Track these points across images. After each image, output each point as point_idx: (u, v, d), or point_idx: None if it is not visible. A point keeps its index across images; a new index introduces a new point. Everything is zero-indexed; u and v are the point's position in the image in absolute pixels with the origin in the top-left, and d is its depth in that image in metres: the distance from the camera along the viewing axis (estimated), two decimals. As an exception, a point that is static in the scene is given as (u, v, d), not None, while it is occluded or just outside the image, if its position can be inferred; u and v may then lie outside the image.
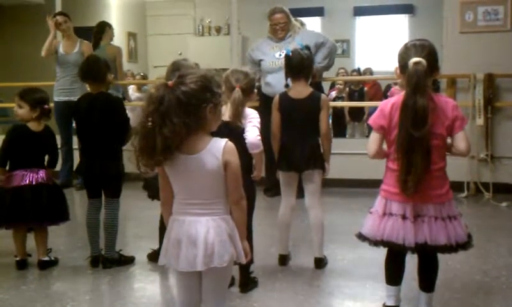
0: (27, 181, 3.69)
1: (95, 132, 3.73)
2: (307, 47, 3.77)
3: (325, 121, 3.64)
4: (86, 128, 3.80)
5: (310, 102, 3.63)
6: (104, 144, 3.72)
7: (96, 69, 3.82)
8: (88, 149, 3.80)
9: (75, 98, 6.18)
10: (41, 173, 3.74)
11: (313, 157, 3.61)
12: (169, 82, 2.05)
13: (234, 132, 2.96)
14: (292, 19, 5.85)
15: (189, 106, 2.04)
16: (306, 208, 3.71)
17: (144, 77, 9.25)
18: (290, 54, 3.70)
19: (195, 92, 2.05)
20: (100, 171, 3.74)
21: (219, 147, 2.09)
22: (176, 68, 3.52)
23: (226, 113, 3.05)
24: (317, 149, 3.65)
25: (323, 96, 3.74)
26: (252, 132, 3.14)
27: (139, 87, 8.65)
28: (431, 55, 2.62)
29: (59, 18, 6.50)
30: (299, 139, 3.48)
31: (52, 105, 6.22)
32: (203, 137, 2.10)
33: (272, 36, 5.83)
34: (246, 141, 3.11)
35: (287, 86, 3.76)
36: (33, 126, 3.76)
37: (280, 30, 5.75)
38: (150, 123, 2.01)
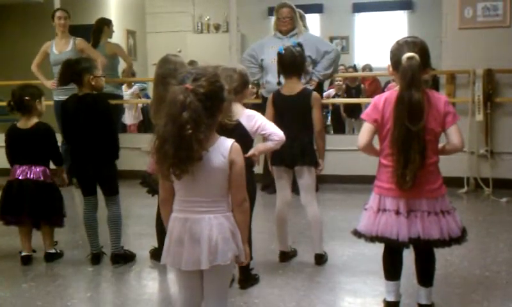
0: (16, 176, 3.78)
1: (83, 134, 3.71)
2: (299, 44, 3.77)
3: (318, 119, 3.65)
4: (74, 131, 3.76)
5: (300, 99, 3.63)
6: (94, 147, 3.69)
7: (68, 72, 3.75)
8: (78, 151, 3.77)
9: None
10: (36, 169, 3.77)
11: (304, 153, 3.62)
12: (188, 85, 2.03)
13: (226, 128, 2.92)
14: (299, 18, 5.88)
15: (213, 107, 2.06)
16: (302, 205, 3.72)
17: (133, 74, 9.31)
18: (283, 51, 3.69)
19: (218, 92, 2.08)
20: (94, 173, 3.73)
21: (226, 146, 2.11)
22: (166, 64, 3.50)
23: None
24: (309, 145, 3.65)
25: (314, 93, 3.73)
26: (277, 130, 3.16)
27: (129, 84, 8.74)
28: (423, 51, 2.63)
29: (60, 13, 6.48)
30: (290, 135, 3.47)
31: (51, 103, 6.33)
32: (212, 135, 2.11)
33: (276, 32, 5.87)
34: (277, 138, 3.13)
35: (279, 83, 3.77)
36: (20, 124, 3.83)
37: (284, 24, 5.78)
38: (190, 131, 1.99)
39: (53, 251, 3.90)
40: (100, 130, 3.68)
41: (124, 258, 3.81)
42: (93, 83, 3.69)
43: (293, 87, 3.67)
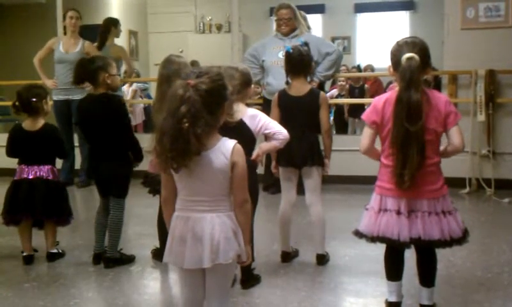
0: (24, 176, 3.77)
1: (98, 134, 3.70)
2: (306, 44, 3.77)
3: (326, 119, 3.65)
4: (89, 131, 3.76)
5: (309, 99, 3.64)
6: (108, 146, 3.68)
7: (83, 71, 3.70)
8: (94, 151, 3.78)
9: (73, 97, 6.22)
10: (45, 168, 3.79)
11: (312, 153, 3.62)
12: (190, 81, 2.04)
13: (228, 127, 2.92)
14: (300, 18, 5.86)
15: (213, 104, 2.06)
16: (307, 205, 3.72)
17: (138, 75, 9.32)
18: (291, 50, 3.70)
19: (220, 90, 2.08)
20: (108, 173, 3.70)
21: (228, 147, 2.11)
22: (170, 64, 3.49)
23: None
24: (316, 145, 3.65)
25: (322, 93, 3.75)
26: (281, 128, 3.16)
27: (130, 84, 8.74)
28: (423, 51, 2.63)
29: (72, 13, 6.49)
30: (298, 135, 3.49)
31: (51, 103, 6.33)
32: (214, 135, 2.11)
33: (277, 33, 5.86)
34: (282, 137, 3.14)
35: (287, 83, 3.77)
36: (26, 125, 3.81)
37: (283, 25, 5.77)
38: (186, 124, 2.00)
39: (55, 250, 3.90)
40: (115, 130, 3.66)
41: (118, 262, 3.76)
42: (108, 81, 3.65)
43: (300, 87, 3.67)
